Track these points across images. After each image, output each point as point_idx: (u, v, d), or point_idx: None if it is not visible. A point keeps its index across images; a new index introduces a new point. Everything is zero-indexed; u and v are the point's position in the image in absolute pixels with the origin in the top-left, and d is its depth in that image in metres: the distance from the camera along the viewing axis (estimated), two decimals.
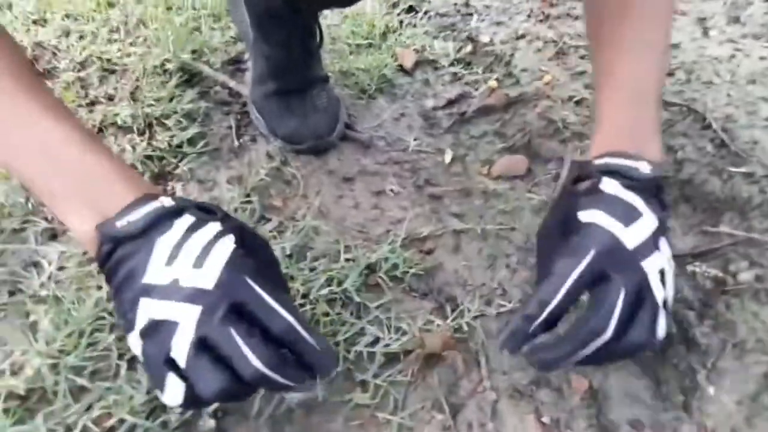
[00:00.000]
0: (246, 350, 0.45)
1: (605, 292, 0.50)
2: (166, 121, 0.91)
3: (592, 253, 0.51)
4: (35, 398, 0.55)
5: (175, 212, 0.50)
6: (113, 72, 1.01)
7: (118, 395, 0.56)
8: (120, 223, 0.48)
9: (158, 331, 0.46)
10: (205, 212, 0.52)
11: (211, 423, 0.56)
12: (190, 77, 1.02)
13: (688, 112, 0.95)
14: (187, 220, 0.50)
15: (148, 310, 0.46)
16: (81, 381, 0.57)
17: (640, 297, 0.50)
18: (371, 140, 0.98)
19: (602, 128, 0.61)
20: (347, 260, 0.74)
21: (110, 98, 0.95)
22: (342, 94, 1.07)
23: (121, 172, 0.52)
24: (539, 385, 0.65)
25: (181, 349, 0.45)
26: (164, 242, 0.48)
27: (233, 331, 0.45)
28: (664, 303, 0.52)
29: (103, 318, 0.62)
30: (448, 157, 0.97)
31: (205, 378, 0.45)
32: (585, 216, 0.54)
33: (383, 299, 0.71)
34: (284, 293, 0.50)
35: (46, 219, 0.75)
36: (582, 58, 1.12)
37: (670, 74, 1.04)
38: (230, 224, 0.53)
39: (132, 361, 0.59)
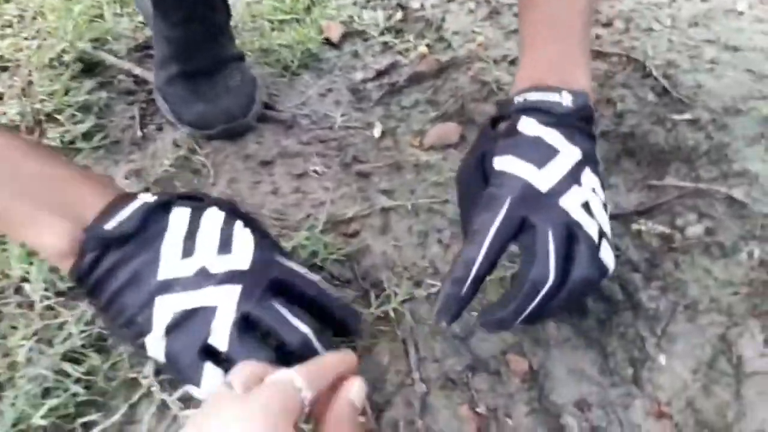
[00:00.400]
0: (292, 318, 0.47)
1: (533, 239, 0.49)
2: (59, 116, 0.82)
3: (507, 203, 0.50)
4: None
5: (163, 206, 0.49)
6: (5, 69, 0.92)
7: None
8: (109, 226, 0.46)
9: (192, 320, 0.45)
10: (191, 200, 0.52)
11: None
12: (89, 67, 0.93)
13: (628, 61, 0.88)
14: (183, 211, 0.50)
15: (171, 305, 0.46)
16: None
17: (571, 234, 0.49)
18: (294, 119, 0.90)
19: (524, 63, 0.59)
20: None
21: None
22: (263, 73, 0.99)
23: (85, 176, 0.50)
24: (475, 371, 0.58)
25: (221, 331, 0.45)
26: (171, 237, 0.48)
27: (276, 303, 0.47)
28: (601, 233, 0.51)
29: None
30: (377, 131, 0.89)
31: (251, 356, 0.44)
32: (499, 163, 0.53)
33: None
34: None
35: None
36: (515, 15, 1.05)
37: (608, 24, 0.97)
38: (226, 206, 0.53)
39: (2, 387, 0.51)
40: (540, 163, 0.51)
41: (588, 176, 0.52)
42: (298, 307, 0.49)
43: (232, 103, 0.83)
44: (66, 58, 0.92)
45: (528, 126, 0.53)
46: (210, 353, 0.46)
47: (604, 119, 0.81)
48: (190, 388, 0.47)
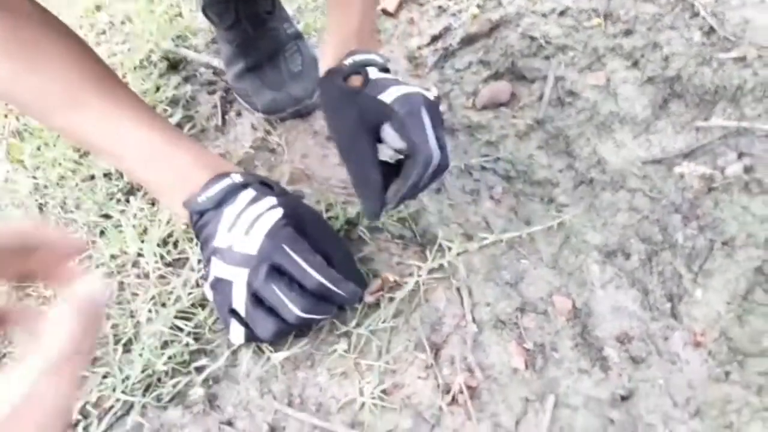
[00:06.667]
0: (286, 301, 0.58)
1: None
2: None
3: (423, 110, 0.61)
4: None
5: (242, 186, 0.62)
6: None
7: (115, 378, 0.60)
8: (200, 199, 0.61)
9: (221, 286, 0.59)
10: (266, 186, 0.64)
11: (201, 391, 0.60)
12: (174, 64, 1.04)
13: (676, 2, 0.88)
14: (249, 193, 0.62)
15: (215, 268, 0.60)
16: None
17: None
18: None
19: (337, 34, 0.71)
20: (329, 218, 0.76)
21: None
22: None
23: (199, 158, 0.64)
24: (523, 312, 0.65)
25: (239, 302, 0.59)
26: (229, 212, 0.61)
27: (275, 287, 0.58)
28: None
29: None
30: (432, 97, 0.95)
31: (261, 325, 0.59)
32: (388, 95, 0.62)
33: (365, 251, 0.72)
34: (316, 255, 0.61)
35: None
36: None
37: None
38: (285, 199, 0.64)
39: (127, 345, 0.64)
40: (407, 84, 0.65)
41: None
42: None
43: (298, 88, 0.92)
44: (153, 57, 1.04)
45: (374, 73, 0.67)
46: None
47: (651, 64, 0.82)
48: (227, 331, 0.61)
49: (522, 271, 0.68)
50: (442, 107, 0.93)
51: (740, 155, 0.67)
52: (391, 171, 0.64)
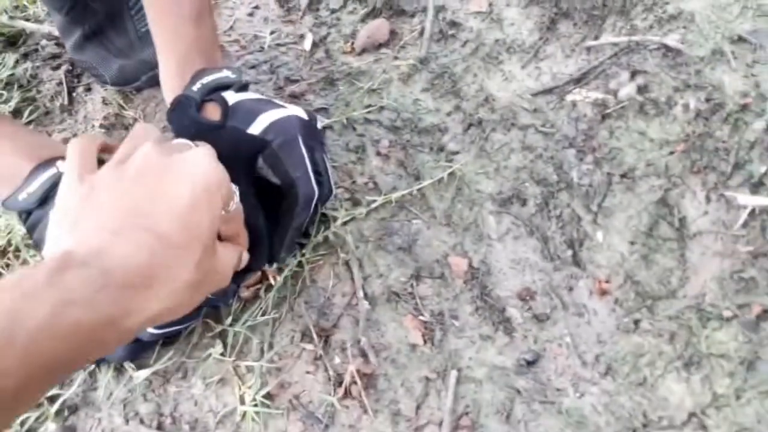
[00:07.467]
0: None
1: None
2: None
3: (300, 139, 0.54)
4: None
5: None
6: None
7: None
8: (20, 197, 0.52)
9: None
10: None
11: (54, 427, 0.52)
12: (11, 40, 0.90)
13: None
14: None
15: None
16: None
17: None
18: (221, 49, 0.86)
19: (171, 51, 0.60)
20: None
21: None
22: None
23: (18, 145, 0.54)
24: (418, 280, 0.59)
25: None
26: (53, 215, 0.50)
27: None
28: None
29: None
30: (308, 44, 0.85)
31: None
32: (257, 127, 0.54)
33: None
34: None
35: None
36: None
37: None
38: None
39: None
40: (279, 106, 0.56)
41: None
42: None
43: (150, 51, 0.79)
44: None
45: (233, 97, 0.57)
46: None
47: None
48: None
49: (415, 232, 0.61)
50: (320, 54, 0.83)
51: (633, 74, 0.61)
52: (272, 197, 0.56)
